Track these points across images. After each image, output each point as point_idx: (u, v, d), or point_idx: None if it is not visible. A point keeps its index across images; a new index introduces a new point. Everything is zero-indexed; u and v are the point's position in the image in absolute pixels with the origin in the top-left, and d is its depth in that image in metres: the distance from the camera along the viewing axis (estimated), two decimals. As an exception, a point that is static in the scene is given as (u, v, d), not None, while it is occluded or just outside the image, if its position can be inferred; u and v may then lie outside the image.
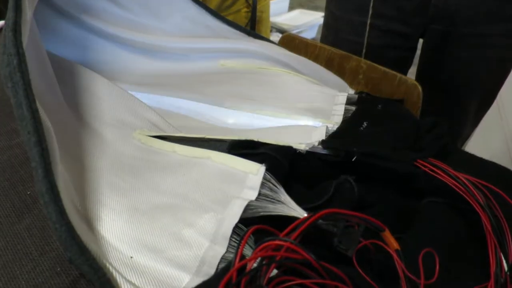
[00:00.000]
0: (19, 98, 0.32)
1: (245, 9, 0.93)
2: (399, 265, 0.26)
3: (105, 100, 0.47)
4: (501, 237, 0.31)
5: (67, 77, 0.51)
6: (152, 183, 0.35)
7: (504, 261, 0.31)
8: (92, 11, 0.59)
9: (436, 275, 0.25)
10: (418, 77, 0.83)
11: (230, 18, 0.90)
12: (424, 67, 0.81)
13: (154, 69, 0.60)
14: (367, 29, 0.75)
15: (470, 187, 0.33)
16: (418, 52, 0.82)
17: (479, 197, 0.32)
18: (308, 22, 2.67)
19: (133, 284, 0.27)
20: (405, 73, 0.83)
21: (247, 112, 0.50)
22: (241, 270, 0.23)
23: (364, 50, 0.77)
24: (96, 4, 0.58)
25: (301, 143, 0.39)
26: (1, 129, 0.48)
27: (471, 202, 0.32)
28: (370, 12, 0.74)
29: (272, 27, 2.66)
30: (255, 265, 0.24)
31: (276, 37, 2.44)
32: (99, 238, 0.31)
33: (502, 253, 0.31)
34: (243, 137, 0.40)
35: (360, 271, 0.26)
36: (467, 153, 0.45)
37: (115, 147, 0.41)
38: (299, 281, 0.23)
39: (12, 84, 0.33)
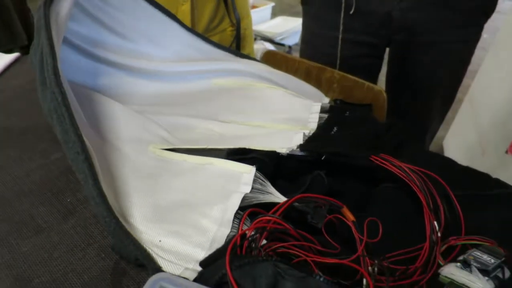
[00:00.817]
0: (65, 126, 0.42)
1: (230, 28, 1.03)
2: (354, 231, 0.36)
3: (120, 121, 0.57)
4: (435, 210, 0.42)
5: (85, 102, 0.60)
6: (168, 185, 0.45)
7: (436, 227, 0.41)
8: (101, 44, 0.68)
9: (379, 236, 0.36)
10: (387, 82, 0.94)
11: (216, 37, 1.01)
12: (391, 72, 0.92)
13: (156, 91, 0.70)
14: (340, 43, 0.86)
15: (410, 174, 0.44)
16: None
17: (416, 181, 0.43)
18: (291, 28, 2.78)
19: (164, 259, 0.37)
20: (375, 78, 0.94)
21: (238, 124, 0.60)
22: (242, 237, 0.34)
23: (338, 61, 0.88)
24: (105, 38, 0.68)
25: (283, 148, 0.49)
26: (35, 150, 0.58)
27: (411, 185, 0.42)
28: (341, 27, 0.85)
29: (256, 35, 2.77)
30: (252, 234, 0.34)
31: (260, 44, 2.55)
32: (134, 229, 0.41)
33: (436, 221, 0.42)
34: (237, 145, 0.50)
35: (328, 237, 0.37)
36: (418, 147, 0.56)
37: (134, 159, 0.51)
38: (282, 244, 0.33)
39: (57, 115, 0.43)
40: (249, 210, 0.37)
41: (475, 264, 0.33)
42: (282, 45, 2.72)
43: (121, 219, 0.40)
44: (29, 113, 0.66)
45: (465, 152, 1.64)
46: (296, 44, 2.88)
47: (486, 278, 0.32)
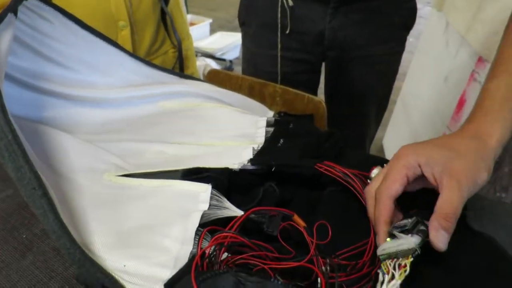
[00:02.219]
0: (18, 164, 0.42)
1: (172, 50, 1.05)
2: (306, 236, 0.40)
3: (71, 152, 0.57)
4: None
5: (32, 136, 0.60)
6: (127, 210, 0.47)
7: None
8: (43, 75, 0.68)
9: (329, 238, 0.40)
10: (326, 93, 1.01)
11: (159, 59, 1.02)
12: (329, 84, 0.99)
13: (104, 118, 0.71)
14: (279, 60, 0.92)
15: (352, 177, 0.49)
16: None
17: (357, 183, 0.48)
18: (230, 43, 2.85)
19: (131, 282, 0.39)
20: (315, 91, 1.01)
21: (189, 144, 0.62)
22: (202, 256, 0.36)
23: (279, 78, 0.93)
24: (47, 70, 0.68)
25: (235, 163, 0.52)
26: (-18, 189, 0.57)
27: (352, 189, 0.47)
28: (279, 46, 0.90)
29: (196, 51, 2.80)
30: (212, 252, 0.36)
31: (202, 61, 2.58)
32: (96, 257, 0.41)
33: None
34: (190, 166, 0.52)
35: (283, 243, 0.40)
36: (355, 152, 0.61)
37: (90, 189, 0.51)
38: (241, 256, 0.36)
39: (9, 153, 0.43)
40: (207, 228, 0.39)
41: (396, 231, 0.38)
42: (223, 60, 2.77)
43: (83, 249, 0.41)
44: (-29, 151, 0.64)
45: (402, 149, 1.76)
46: (236, 58, 2.95)
47: (410, 234, 0.37)
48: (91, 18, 0.81)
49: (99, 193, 0.50)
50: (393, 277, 0.35)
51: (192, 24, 3.01)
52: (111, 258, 0.41)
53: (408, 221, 0.39)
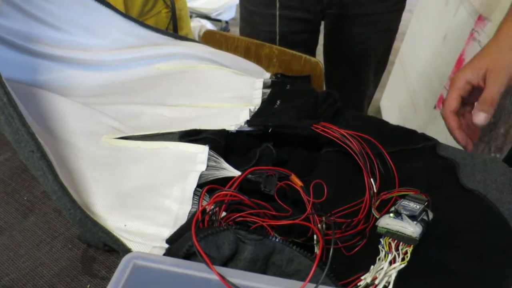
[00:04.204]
0: (15, 126, 0.42)
1: (165, 10, 1.03)
2: (303, 195, 0.40)
3: (68, 115, 0.57)
4: (371, 168, 0.47)
5: (28, 100, 0.59)
6: (126, 172, 0.47)
7: (373, 183, 0.47)
8: (35, 37, 0.66)
9: (325, 196, 0.40)
10: (325, 53, 1.00)
11: (152, 20, 1.00)
12: (328, 44, 0.98)
13: (99, 81, 0.70)
14: (277, 20, 0.90)
15: (350, 138, 0.49)
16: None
17: (354, 144, 0.48)
18: (226, 3, 2.77)
19: (131, 241, 0.40)
20: (313, 51, 0.99)
21: (186, 106, 0.62)
22: (203, 212, 0.37)
23: (277, 37, 0.92)
24: (39, 32, 0.66)
25: (232, 125, 0.52)
26: (-19, 153, 0.57)
27: (349, 150, 0.47)
28: (278, 5, 0.88)
29: (191, 12, 2.72)
30: (212, 208, 0.37)
31: (197, 22, 2.52)
32: (98, 217, 0.42)
33: (372, 178, 0.47)
34: (187, 127, 0.53)
35: (280, 202, 0.41)
36: (353, 112, 0.61)
37: (88, 152, 0.52)
38: (240, 214, 0.37)
39: (5, 116, 0.43)
40: (207, 187, 0.40)
41: (404, 212, 0.38)
42: (219, 20, 2.71)
43: (84, 209, 0.42)
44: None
45: (399, 110, 1.76)
46: (232, 19, 2.88)
47: (415, 222, 0.38)
48: (81, -23, 0.78)
49: (98, 156, 0.51)
50: (394, 259, 0.36)
51: (186, -17, 2.92)
52: (112, 218, 0.42)
53: (417, 207, 0.39)
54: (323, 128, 0.50)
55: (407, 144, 0.54)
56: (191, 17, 2.67)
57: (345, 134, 0.49)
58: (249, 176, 0.41)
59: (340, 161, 0.50)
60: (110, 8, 0.71)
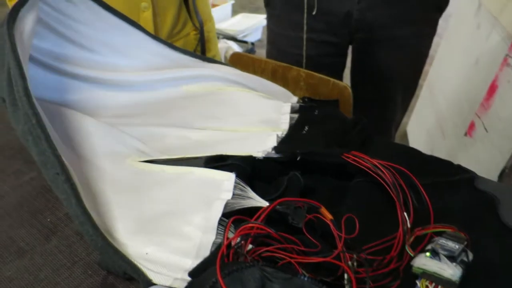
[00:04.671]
0: (42, 147, 0.42)
1: (194, 32, 1.03)
2: (333, 229, 0.38)
3: (95, 136, 0.57)
4: (404, 201, 0.45)
5: (56, 119, 0.60)
6: (150, 196, 0.46)
7: (406, 218, 0.44)
8: (67, 58, 0.67)
9: (356, 232, 0.38)
10: (352, 77, 0.98)
11: (181, 42, 1.01)
12: (355, 68, 0.96)
13: (127, 101, 0.70)
14: (304, 43, 0.89)
15: (382, 169, 0.47)
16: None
17: (387, 175, 0.46)
18: (252, 25, 2.80)
19: (152, 271, 0.39)
20: (340, 75, 0.97)
21: (212, 130, 0.61)
22: (228, 246, 0.35)
23: (304, 60, 0.91)
24: (69, 52, 0.67)
25: (259, 151, 0.51)
26: (8, 171, 0.57)
27: (381, 182, 0.45)
28: (305, 28, 0.87)
29: (218, 33, 2.77)
30: (238, 242, 0.35)
31: (223, 43, 2.55)
32: (119, 243, 0.41)
33: (406, 212, 0.45)
34: (213, 152, 0.51)
35: (309, 236, 0.39)
36: (383, 140, 0.59)
37: (113, 174, 0.51)
38: (267, 248, 0.35)
39: (33, 137, 0.43)
40: (233, 217, 0.38)
41: (442, 252, 0.36)
42: (245, 42, 2.73)
43: (106, 235, 0.41)
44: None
45: (427, 136, 1.71)
46: (258, 40, 2.91)
47: (454, 263, 0.35)
48: (114, -1, 0.80)
49: (122, 178, 0.50)
50: None
51: (214, 5, 2.97)
52: (133, 245, 0.41)
53: (456, 247, 0.37)
54: (354, 158, 0.48)
55: (442, 175, 0.51)
56: (218, 38, 2.71)
57: (377, 164, 0.47)
58: (277, 207, 0.39)
59: (372, 192, 0.48)
60: (140, 29, 0.72)
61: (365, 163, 0.47)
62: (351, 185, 0.49)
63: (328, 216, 0.39)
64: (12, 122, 0.48)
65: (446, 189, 0.50)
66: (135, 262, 0.39)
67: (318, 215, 0.40)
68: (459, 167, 0.53)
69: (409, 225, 0.44)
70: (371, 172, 0.47)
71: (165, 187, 0.47)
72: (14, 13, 0.53)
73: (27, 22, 0.55)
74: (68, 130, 0.58)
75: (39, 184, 0.54)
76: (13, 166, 0.58)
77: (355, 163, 0.47)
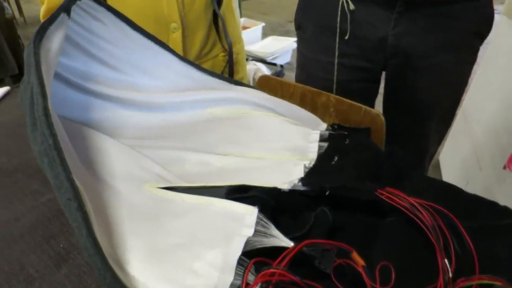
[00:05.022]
0: (56, 171, 0.40)
1: (222, 54, 1.02)
2: (365, 277, 0.34)
3: (114, 158, 0.55)
4: (445, 246, 0.40)
5: (77, 138, 0.59)
6: (166, 227, 0.43)
7: (448, 266, 0.39)
8: (93, 77, 0.67)
9: (392, 282, 0.34)
10: (385, 104, 0.94)
11: (209, 63, 1.00)
12: (388, 95, 0.91)
13: (150, 123, 0.68)
14: (336, 68, 0.86)
15: (420, 209, 0.42)
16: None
17: (426, 217, 0.41)
18: (282, 48, 2.80)
19: (164, 311, 0.35)
20: (372, 102, 0.93)
21: (236, 156, 0.58)
22: (248, 292, 0.32)
23: (334, 86, 0.87)
24: (96, 71, 0.67)
25: (284, 183, 0.47)
26: (26, 191, 0.56)
27: (419, 223, 0.41)
28: (337, 53, 0.84)
29: (247, 55, 2.78)
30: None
31: (252, 65, 2.55)
32: (130, 278, 0.38)
33: (447, 259, 0.40)
34: (236, 180, 0.48)
35: (337, 283, 0.35)
36: (419, 174, 0.54)
37: (129, 199, 0.49)
38: (291, 296, 0.31)
39: (49, 159, 0.41)
40: (254, 260, 0.35)
41: None
42: (274, 64, 2.73)
43: (116, 267, 0.38)
44: (20, 151, 0.64)
45: (462, 167, 1.63)
46: (288, 63, 2.90)
47: None
48: (143, 19, 0.79)
49: (138, 204, 0.47)
50: None
51: (244, 27, 3.00)
52: (144, 281, 0.38)
53: None
54: (388, 195, 0.44)
55: (488, 218, 0.46)
56: (246, 59, 2.72)
57: (414, 203, 0.43)
58: (303, 248, 0.36)
59: (408, 234, 0.43)
60: (168, 50, 0.71)
61: (401, 202, 0.43)
62: (385, 225, 0.44)
63: (360, 262, 0.35)
64: (30, 142, 0.46)
65: (492, 234, 0.45)
66: (145, 301, 0.35)
67: (349, 262, 0.36)
68: (505, 209, 0.48)
69: (450, 275, 0.39)
70: (407, 212, 0.43)
71: (183, 218, 0.44)
72: (42, 31, 0.52)
73: (55, 40, 0.54)
74: (88, 150, 0.57)
75: (55, 207, 0.53)
76: (31, 186, 0.57)
77: (390, 201, 0.43)
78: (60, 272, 0.44)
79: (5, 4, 1.80)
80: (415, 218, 0.41)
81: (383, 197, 0.43)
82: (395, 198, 0.43)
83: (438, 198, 0.45)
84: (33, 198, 0.54)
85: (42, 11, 0.83)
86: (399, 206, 0.42)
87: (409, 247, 0.43)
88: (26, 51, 0.52)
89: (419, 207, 0.42)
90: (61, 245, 0.47)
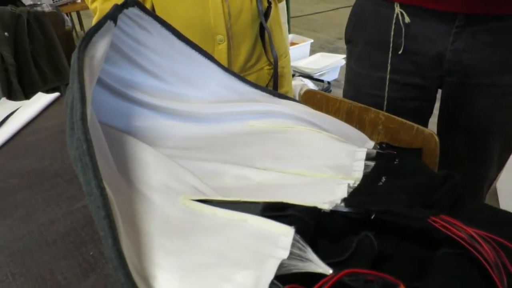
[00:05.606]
0: (88, 177, 0.39)
1: (267, 67, 1.00)
2: (414, 315, 0.30)
3: (151, 167, 0.54)
4: (510, 286, 0.35)
5: (116, 145, 0.58)
6: (197, 244, 0.41)
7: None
8: (136, 85, 0.67)
9: (446, 324, 0.29)
10: (439, 124, 0.87)
11: (253, 76, 0.98)
12: (444, 115, 0.85)
13: (191, 133, 0.67)
14: (387, 83, 0.81)
15: (481, 241, 0.37)
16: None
17: (488, 251, 0.36)
18: (330, 64, 2.76)
19: (187, 336, 0.32)
20: (426, 121, 0.87)
21: (275, 171, 0.55)
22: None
23: (385, 103, 0.83)
24: (139, 79, 0.67)
25: (325, 203, 0.44)
26: (63, 196, 0.56)
27: (480, 258, 0.36)
28: (389, 68, 0.79)
29: (294, 71, 2.76)
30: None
31: (299, 81, 2.53)
32: (155, 295, 0.36)
33: (512, 302, 0.35)
34: (273, 196, 0.45)
35: (380, 321, 0.30)
36: (479, 203, 0.48)
37: (162, 211, 0.47)
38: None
39: (82, 165, 0.40)
40: (289, 286, 0.31)
41: None
42: (321, 81, 2.69)
43: (141, 283, 0.36)
44: (62, 156, 0.65)
45: (522, 196, 1.50)
46: (335, 80, 2.86)
47: None
48: (190, 30, 0.80)
49: (171, 217, 0.45)
50: None
51: (293, 43, 3.00)
52: (170, 300, 0.35)
53: None
54: (443, 223, 0.39)
55: (562, 257, 0.40)
56: (293, 75, 2.71)
57: (473, 234, 0.38)
58: (343, 277, 0.32)
59: (465, 269, 0.38)
60: (213, 61, 0.70)
61: (457, 232, 0.38)
62: (438, 257, 0.39)
63: (408, 298, 0.31)
64: (68, 147, 0.46)
65: None
66: (168, 323, 0.33)
67: (395, 296, 0.31)
68: None
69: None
70: (465, 244, 0.37)
71: (214, 235, 0.41)
72: (88, 38, 0.52)
73: (100, 47, 0.54)
74: (127, 158, 0.56)
75: (89, 213, 0.52)
76: (68, 191, 0.57)
77: (445, 230, 0.38)
78: (88, 281, 0.42)
79: (67, 17, 1.91)
80: (475, 252, 0.36)
81: (437, 225, 0.38)
82: (451, 227, 0.38)
83: (501, 230, 0.40)
84: (69, 203, 0.54)
85: (94, 21, 0.86)
86: (455, 237, 0.37)
87: (466, 285, 0.37)
88: (72, 58, 0.52)
89: (479, 239, 0.37)
90: (91, 253, 0.46)
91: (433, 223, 0.39)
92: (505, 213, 0.47)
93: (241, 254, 0.38)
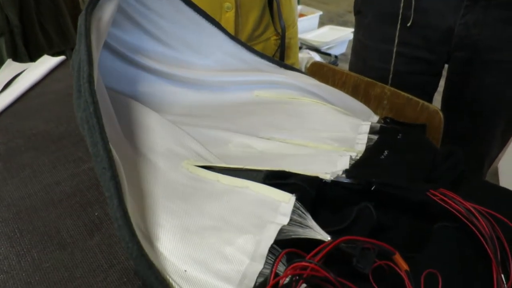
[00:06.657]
0: (95, 139, 0.39)
1: (275, 37, 0.99)
2: (408, 283, 0.31)
3: (156, 132, 0.55)
4: (502, 259, 0.36)
5: (122, 110, 0.59)
6: (199, 208, 0.42)
7: (504, 282, 0.35)
8: (143, 51, 0.67)
9: (438, 292, 0.30)
10: (444, 101, 0.87)
11: (260, 46, 0.97)
12: (449, 91, 0.84)
13: (196, 101, 0.68)
14: (394, 57, 0.80)
15: (477, 215, 0.38)
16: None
17: (484, 225, 0.37)
18: (338, 38, 2.72)
19: (187, 293, 0.34)
20: (430, 96, 0.87)
21: (278, 141, 0.56)
22: (275, 285, 0.29)
23: (391, 76, 0.82)
24: (146, 45, 0.66)
25: (327, 173, 0.44)
26: (70, 158, 0.57)
27: (475, 231, 0.36)
28: (396, 40, 0.78)
29: (302, 44, 2.72)
30: (287, 280, 0.29)
31: (306, 53, 2.50)
32: (158, 255, 0.37)
33: (504, 274, 0.36)
34: (276, 166, 0.46)
35: (375, 286, 0.31)
36: (481, 180, 0.49)
37: (166, 175, 0.48)
38: (323, 294, 0.29)
39: (88, 126, 0.40)
40: (286, 250, 0.32)
41: None
42: (329, 54, 2.66)
43: (145, 242, 0.37)
44: (68, 118, 0.65)
45: (524, 177, 1.51)
46: (342, 54, 2.82)
47: None
48: (198, -4, 0.78)
49: (174, 181, 0.46)
50: None
51: (301, 15, 2.93)
52: (172, 260, 0.36)
53: None
54: (442, 197, 0.39)
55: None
56: (300, 48, 2.67)
57: (471, 209, 0.38)
58: (341, 244, 0.33)
59: (460, 242, 0.39)
60: (220, 29, 0.69)
61: (456, 205, 0.39)
62: (435, 229, 0.40)
63: (403, 265, 0.32)
64: (75, 108, 0.46)
65: None
66: (170, 280, 0.34)
67: (390, 263, 0.32)
68: None
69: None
70: (462, 218, 0.38)
71: (216, 200, 0.42)
72: (95, 0, 0.52)
73: (107, 10, 0.54)
74: (131, 123, 0.57)
75: (95, 175, 0.53)
76: (75, 153, 0.57)
77: (443, 204, 0.39)
78: (93, 240, 0.43)
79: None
80: (471, 225, 0.37)
81: (436, 198, 0.39)
82: (449, 201, 0.39)
83: (499, 206, 0.40)
84: (75, 165, 0.55)
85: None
86: (453, 211, 0.38)
87: (461, 257, 0.38)
88: (79, 20, 0.52)
89: (476, 214, 0.38)
90: (96, 213, 0.47)
91: (432, 196, 0.39)
92: (505, 190, 0.48)
93: (243, 219, 0.39)
